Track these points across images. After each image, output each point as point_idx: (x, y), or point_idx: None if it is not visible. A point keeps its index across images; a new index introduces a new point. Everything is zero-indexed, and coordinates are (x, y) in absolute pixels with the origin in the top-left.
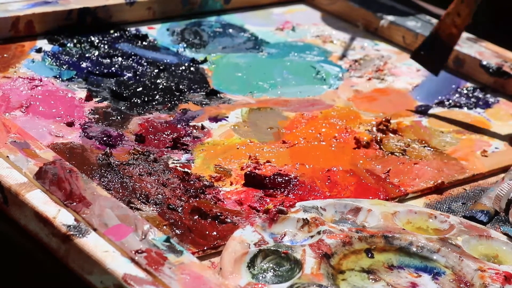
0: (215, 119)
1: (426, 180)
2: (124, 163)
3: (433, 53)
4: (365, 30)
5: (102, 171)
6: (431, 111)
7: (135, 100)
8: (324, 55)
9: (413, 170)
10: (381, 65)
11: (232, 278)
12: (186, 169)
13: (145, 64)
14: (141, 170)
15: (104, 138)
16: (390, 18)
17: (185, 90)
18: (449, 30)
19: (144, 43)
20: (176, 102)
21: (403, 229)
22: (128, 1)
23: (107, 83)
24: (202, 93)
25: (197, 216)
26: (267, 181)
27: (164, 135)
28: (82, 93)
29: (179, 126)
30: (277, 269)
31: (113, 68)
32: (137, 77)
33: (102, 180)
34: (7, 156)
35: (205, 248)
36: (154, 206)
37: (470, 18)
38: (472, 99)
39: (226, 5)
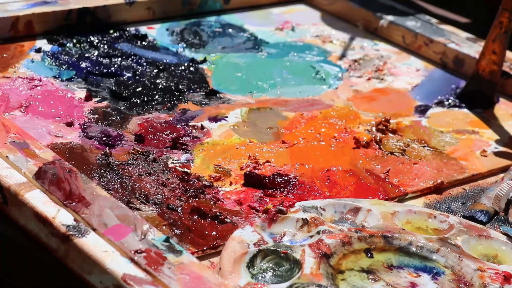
0: (214, 119)
1: (425, 180)
2: (124, 163)
3: (480, 92)
4: (365, 30)
5: (102, 171)
6: (430, 111)
7: (135, 100)
8: (323, 55)
9: (412, 170)
10: (381, 65)
11: (232, 278)
12: (185, 169)
13: (145, 64)
14: (140, 170)
15: (104, 138)
16: (390, 18)
17: (185, 90)
18: (490, 68)
19: (143, 43)
20: (175, 102)
21: (403, 229)
22: (127, 1)
23: (107, 83)
24: (201, 93)
25: (196, 216)
26: (267, 181)
27: (163, 135)
28: (81, 93)
29: (178, 126)
30: (277, 269)
31: (112, 68)
32: (137, 77)
33: (101, 180)
34: (7, 156)
35: (205, 248)
36: (153, 206)
37: (505, 51)
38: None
39: (226, 5)
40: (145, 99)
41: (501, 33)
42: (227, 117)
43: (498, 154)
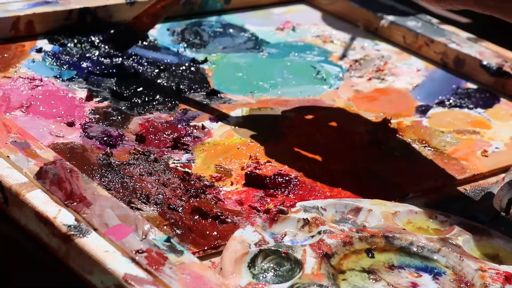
0: (215, 119)
1: (426, 180)
2: (125, 163)
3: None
4: (365, 30)
5: (103, 171)
6: (431, 111)
7: (136, 100)
8: (324, 55)
9: (413, 170)
10: (382, 65)
11: (233, 278)
12: (186, 169)
13: (146, 64)
14: (141, 170)
15: (105, 138)
16: (390, 18)
17: (186, 90)
18: (144, 27)
19: (144, 43)
20: (176, 102)
21: (404, 229)
22: (128, 1)
23: (108, 83)
24: (202, 93)
25: (197, 216)
26: (268, 181)
27: (164, 135)
28: (82, 93)
29: (179, 126)
30: (278, 269)
31: (113, 68)
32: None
33: (102, 180)
34: (8, 156)
35: (206, 248)
36: (154, 206)
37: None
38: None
39: (227, 5)
40: (146, 99)
41: (173, 4)
42: (228, 117)
43: (499, 154)
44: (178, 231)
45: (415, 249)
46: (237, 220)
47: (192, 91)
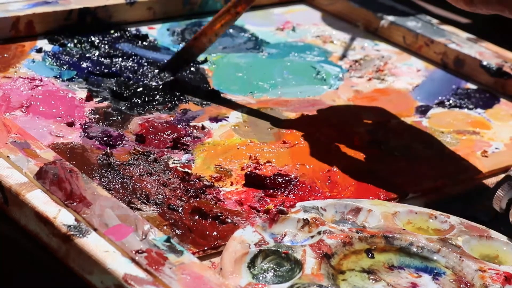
0: (215, 119)
1: (426, 180)
2: (125, 163)
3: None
4: (365, 30)
5: (103, 171)
6: (431, 112)
7: (136, 100)
8: (324, 55)
9: (413, 170)
10: (381, 65)
11: (233, 278)
12: (186, 169)
13: (146, 64)
14: (141, 170)
15: (105, 138)
16: (390, 18)
17: (187, 89)
18: (202, 47)
19: (144, 43)
20: (176, 102)
21: (404, 229)
22: (128, 1)
23: (108, 83)
24: (202, 93)
25: (197, 216)
26: (268, 181)
27: (164, 135)
28: (82, 93)
29: (179, 126)
30: (278, 269)
31: (113, 68)
32: (138, 77)
33: (102, 180)
34: (8, 156)
35: (206, 248)
36: (154, 206)
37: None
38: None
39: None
40: (146, 99)
41: (231, 20)
42: (228, 117)
43: (498, 154)
44: (178, 231)
45: (415, 250)
46: (237, 220)
47: (191, 91)
